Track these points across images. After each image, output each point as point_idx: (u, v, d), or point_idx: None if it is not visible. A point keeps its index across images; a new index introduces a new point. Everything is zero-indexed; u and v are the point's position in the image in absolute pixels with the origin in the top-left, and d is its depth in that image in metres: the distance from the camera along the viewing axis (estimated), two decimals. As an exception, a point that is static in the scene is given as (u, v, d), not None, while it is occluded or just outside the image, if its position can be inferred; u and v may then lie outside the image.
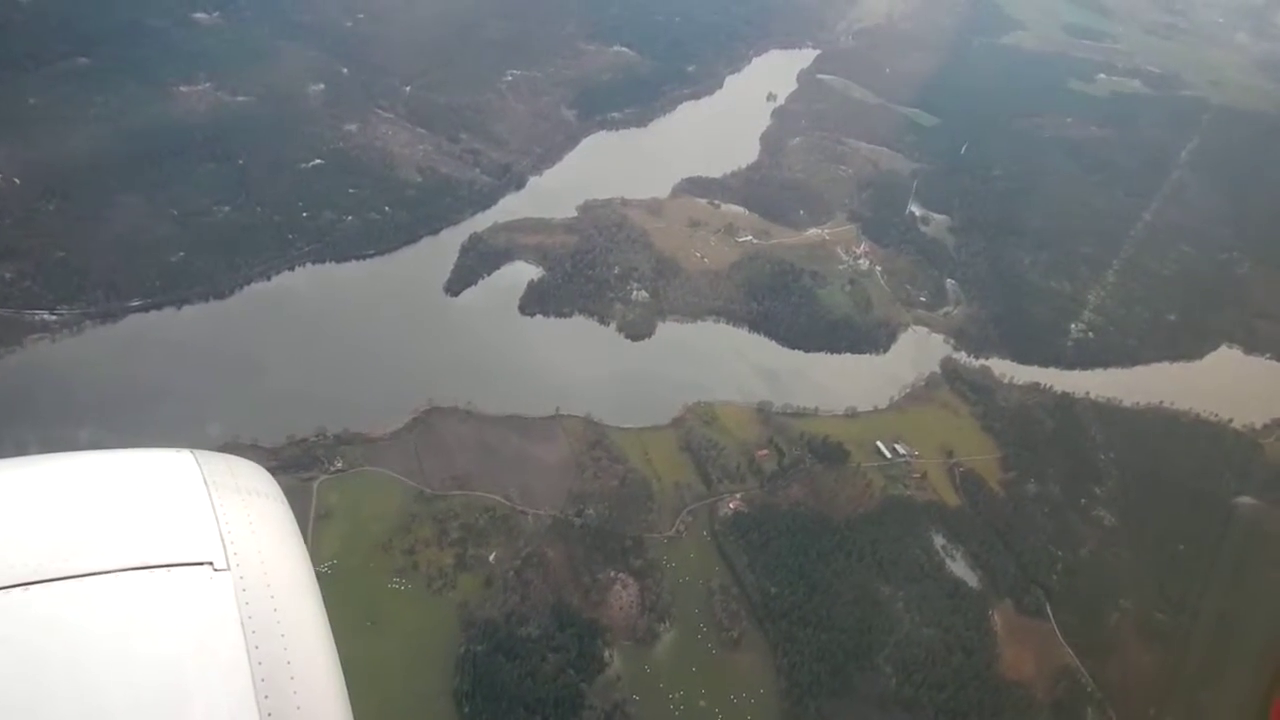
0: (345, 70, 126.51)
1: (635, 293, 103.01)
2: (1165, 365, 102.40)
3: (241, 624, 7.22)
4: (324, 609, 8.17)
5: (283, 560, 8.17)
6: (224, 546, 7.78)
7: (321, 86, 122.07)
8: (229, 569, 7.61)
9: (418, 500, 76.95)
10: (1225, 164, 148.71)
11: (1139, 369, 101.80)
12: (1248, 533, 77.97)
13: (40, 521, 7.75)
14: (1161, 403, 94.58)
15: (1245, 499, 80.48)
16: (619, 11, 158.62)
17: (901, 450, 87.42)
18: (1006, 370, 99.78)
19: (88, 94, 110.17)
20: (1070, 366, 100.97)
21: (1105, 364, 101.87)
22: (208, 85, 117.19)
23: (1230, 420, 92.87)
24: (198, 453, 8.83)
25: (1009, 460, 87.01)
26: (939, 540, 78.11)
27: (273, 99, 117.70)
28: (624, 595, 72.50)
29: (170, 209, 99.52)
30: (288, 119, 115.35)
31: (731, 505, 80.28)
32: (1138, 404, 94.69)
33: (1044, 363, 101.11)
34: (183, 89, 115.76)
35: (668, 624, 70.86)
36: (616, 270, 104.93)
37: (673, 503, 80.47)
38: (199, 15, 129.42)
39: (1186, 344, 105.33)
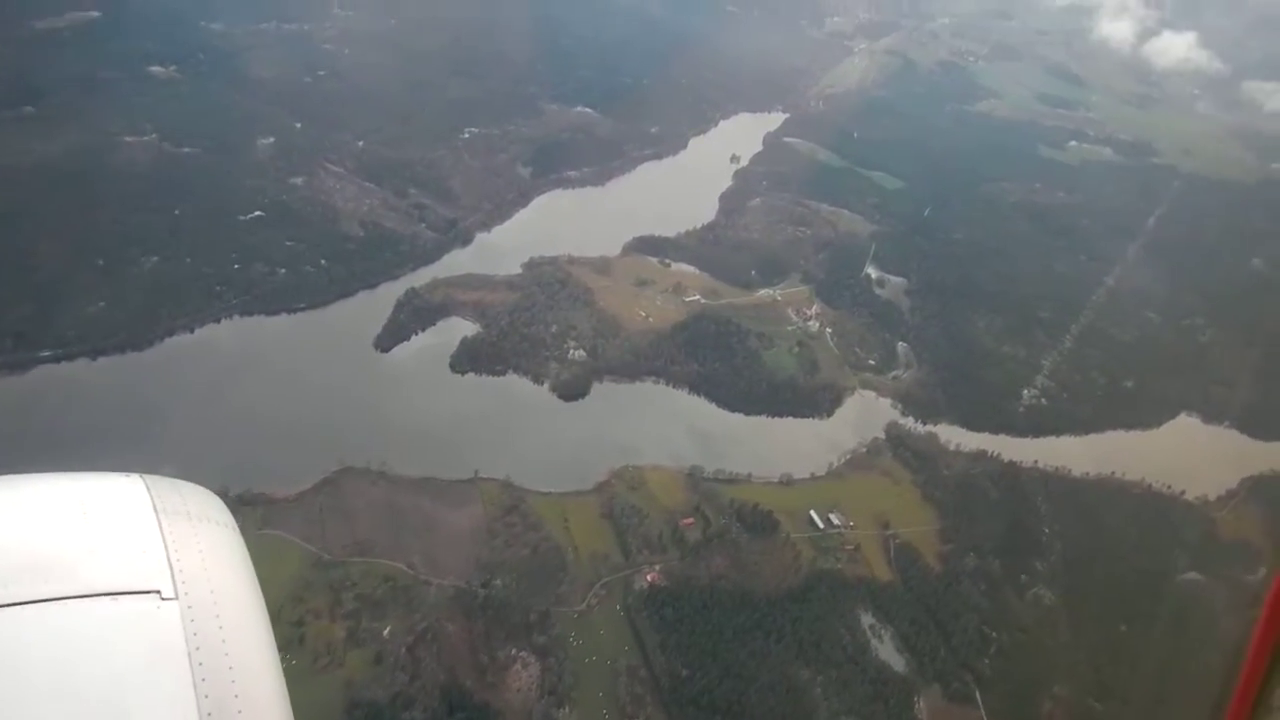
0: (298, 125, 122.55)
1: (572, 351, 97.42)
2: (1120, 434, 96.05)
3: (188, 654, 6.92)
4: (274, 640, 7.71)
5: (232, 589, 7.81)
6: (172, 574, 7.45)
7: (271, 140, 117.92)
8: (176, 597, 7.28)
9: (315, 567, 70.69)
10: (1193, 230, 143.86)
11: (1093, 437, 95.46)
12: (1191, 613, 71.77)
13: None
14: (1114, 473, 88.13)
15: (1193, 575, 73.89)
16: (586, 74, 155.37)
17: (836, 520, 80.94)
18: (954, 437, 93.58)
19: (26, 142, 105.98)
20: (1021, 433, 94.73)
21: (1057, 431, 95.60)
22: (153, 136, 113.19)
23: (1183, 492, 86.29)
24: (148, 477, 8.49)
25: (948, 532, 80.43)
26: (867, 619, 71.35)
27: (219, 151, 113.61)
28: (523, 676, 65.75)
29: (96, 258, 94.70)
30: (232, 171, 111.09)
31: (649, 578, 73.72)
32: (1088, 474, 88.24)
33: (994, 429, 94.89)
34: (127, 139, 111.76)
35: (567, 709, 64.01)
36: (554, 328, 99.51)
37: (587, 574, 73.96)
38: (154, 68, 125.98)
39: (1143, 412, 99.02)
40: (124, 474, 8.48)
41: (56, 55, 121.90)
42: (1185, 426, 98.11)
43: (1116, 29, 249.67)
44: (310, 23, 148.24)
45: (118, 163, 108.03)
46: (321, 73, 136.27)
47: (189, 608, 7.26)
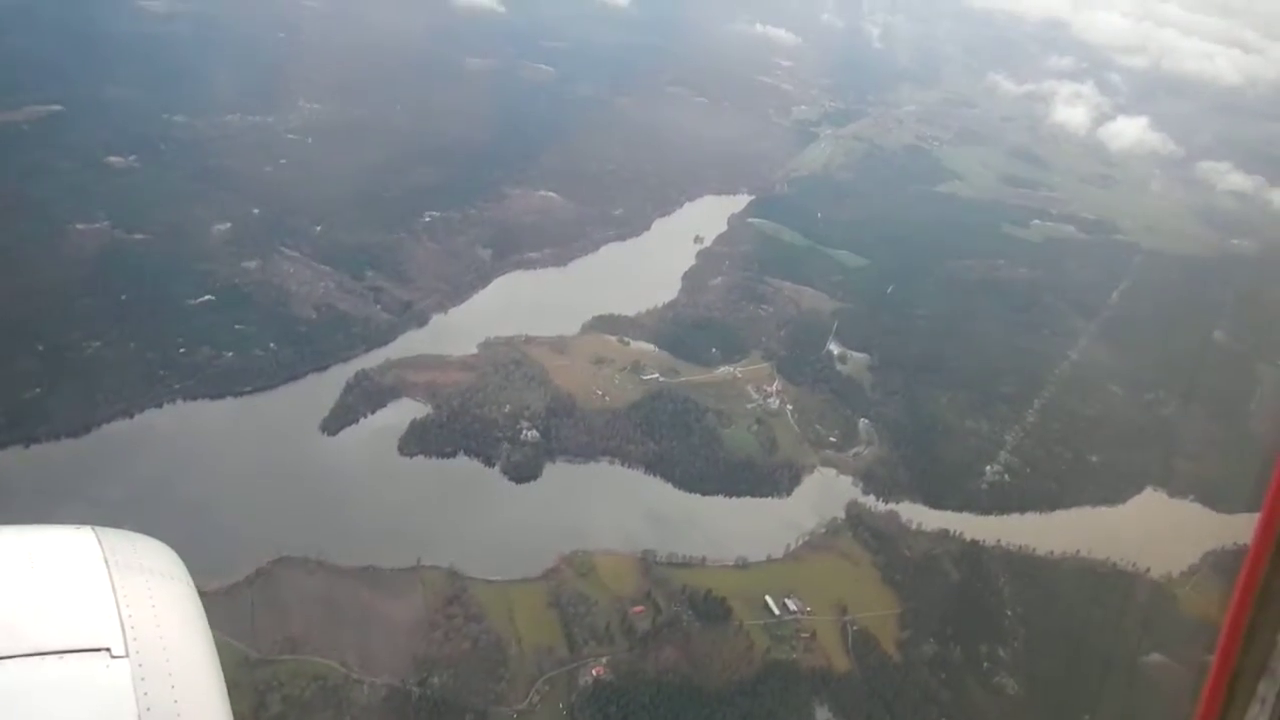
0: (256, 211, 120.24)
1: (525, 432, 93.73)
2: (1085, 510, 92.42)
3: (138, 715, 6.62)
4: (227, 700, 7.47)
5: (185, 647, 7.44)
6: (123, 631, 7.11)
7: (227, 225, 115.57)
8: (127, 655, 6.97)
9: (241, 666, 65.60)
10: (1156, 304, 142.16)
11: (1058, 514, 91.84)
12: (1152, 698, 67.26)
13: None
14: (1079, 551, 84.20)
15: (1155, 656, 69.52)
16: (551, 160, 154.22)
17: (792, 606, 76.70)
18: (916, 515, 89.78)
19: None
20: (985, 511, 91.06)
21: (1022, 509, 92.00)
22: (105, 224, 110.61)
23: (1148, 569, 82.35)
24: (99, 530, 8.09)
25: (908, 617, 76.17)
26: (821, 714, 66.88)
27: (171, 237, 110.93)
28: (455, 781, 60.92)
29: (36, 344, 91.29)
30: (183, 256, 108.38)
31: (594, 672, 69.24)
32: (1052, 553, 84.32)
33: (957, 507, 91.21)
34: (79, 227, 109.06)
35: (502, 816, 59.01)
36: (507, 409, 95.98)
37: (530, 669, 69.38)
38: (113, 158, 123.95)
39: (1108, 487, 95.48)
40: (74, 526, 8.18)
41: (13, 147, 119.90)
42: (1150, 501, 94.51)
43: (1072, 115, 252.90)
44: (275, 115, 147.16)
45: (66, 250, 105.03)
46: (283, 161, 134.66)
47: (139, 666, 6.97)
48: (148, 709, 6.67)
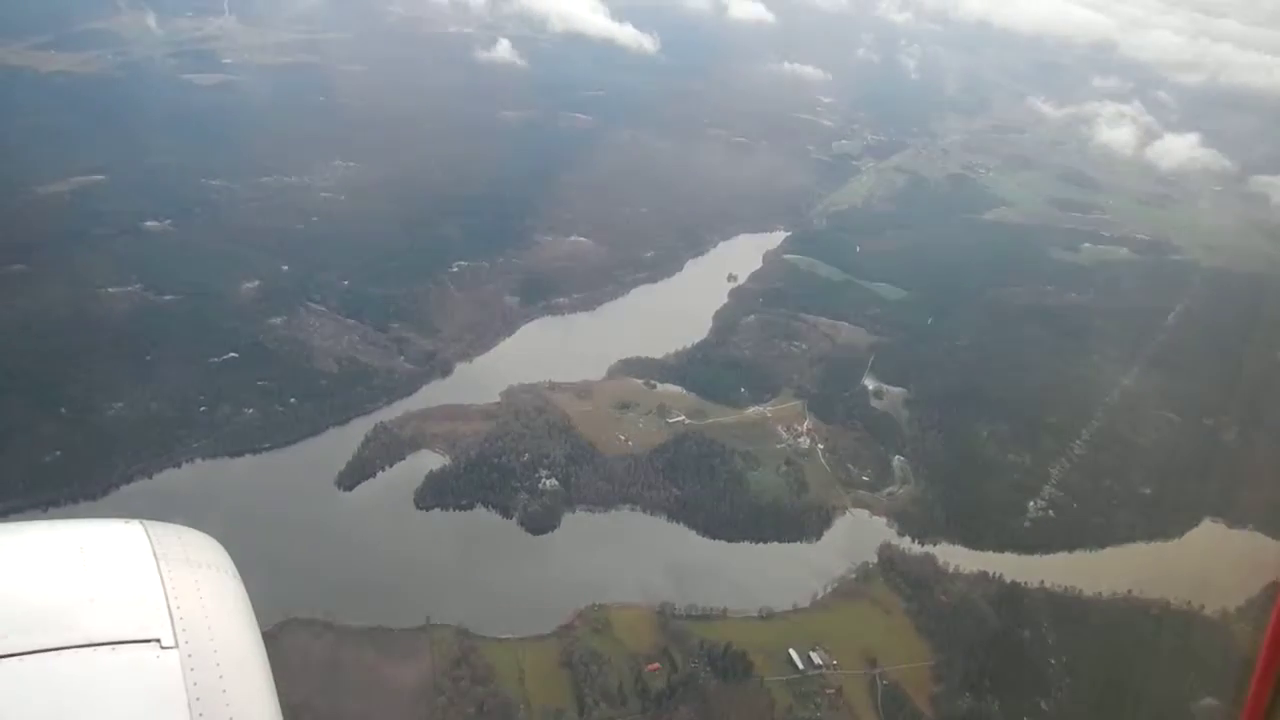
0: (285, 267, 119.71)
1: (544, 481, 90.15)
2: (1138, 546, 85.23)
3: (189, 705, 6.67)
4: (274, 689, 7.44)
5: (233, 637, 7.53)
6: (172, 622, 7.22)
7: (256, 283, 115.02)
8: (176, 646, 7.05)
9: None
10: (1215, 325, 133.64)
11: (1108, 551, 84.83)
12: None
13: None
14: (1130, 591, 77.30)
15: (1209, 701, 62.39)
16: (583, 206, 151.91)
17: (817, 659, 71.27)
18: (953, 557, 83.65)
19: (8, 298, 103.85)
20: (1028, 550, 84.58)
21: (1069, 546, 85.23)
22: (137, 286, 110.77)
23: (1202, 607, 74.91)
24: (148, 523, 8.33)
25: (942, 668, 70.10)
26: (844, 776, 61.15)
27: (200, 297, 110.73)
28: None
29: (59, 408, 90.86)
30: (210, 315, 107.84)
31: (603, 734, 64.65)
32: (1100, 594, 77.48)
33: (998, 547, 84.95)
34: (110, 290, 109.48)
35: None
36: (526, 457, 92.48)
37: (535, 733, 65.16)
38: (150, 223, 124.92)
39: (1162, 520, 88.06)
40: (123, 520, 8.36)
41: (55, 216, 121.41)
42: (1208, 533, 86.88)
43: (1123, 135, 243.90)
44: (310, 174, 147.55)
45: (97, 313, 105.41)
46: (314, 219, 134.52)
47: (189, 656, 7.03)
48: (197, 698, 6.72)
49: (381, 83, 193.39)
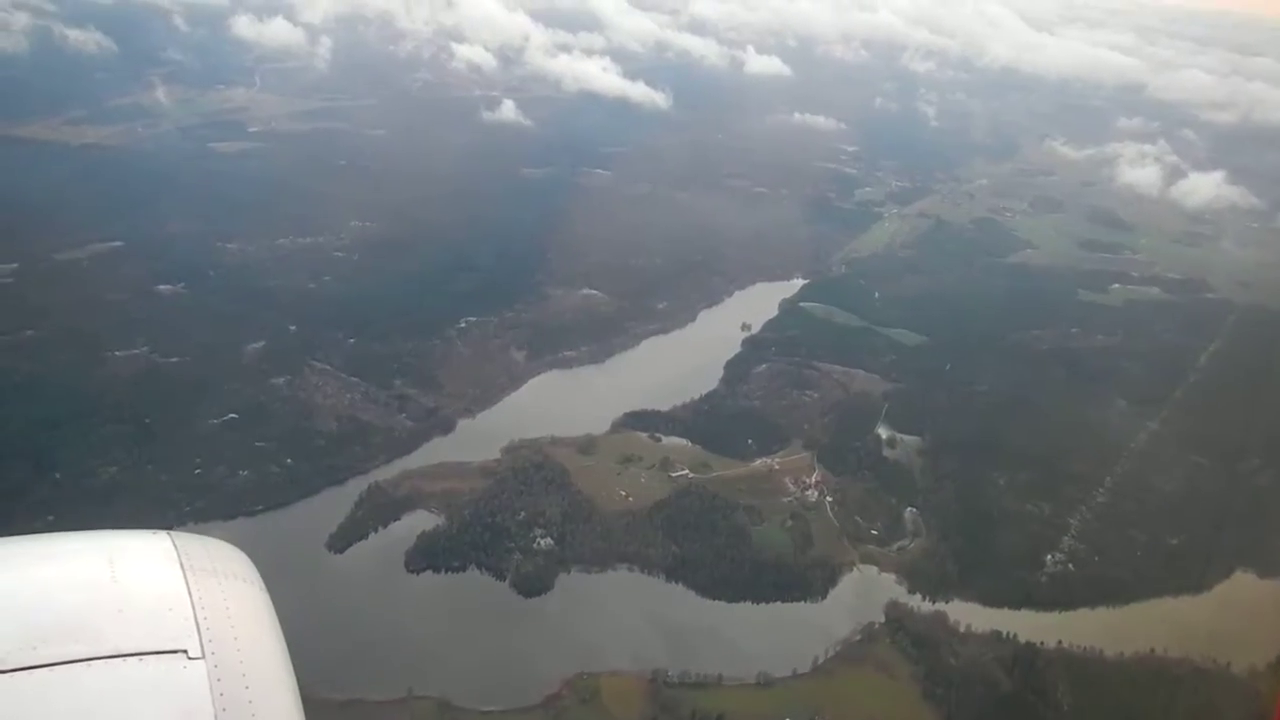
0: (293, 327, 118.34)
1: (538, 541, 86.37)
2: (1164, 601, 79.04)
3: (215, 716, 6.80)
4: (300, 700, 7.71)
5: (259, 648, 7.73)
6: (199, 634, 7.37)
7: (261, 344, 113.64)
8: (204, 657, 7.20)
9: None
10: (1250, 365, 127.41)
11: (1133, 607, 78.69)
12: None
13: (8, 607, 7.25)
14: (1153, 649, 71.21)
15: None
16: (597, 258, 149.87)
17: (815, 728, 66.13)
18: (966, 615, 78.14)
19: (16, 363, 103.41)
20: (1046, 607, 78.89)
21: (1090, 602, 79.31)
22: (144, 349, 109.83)
23: (1229, 664, 68.62)
24: (175, 534, 8.51)
25: (947, 738, 64.63)
26: None
27: (205, 358, 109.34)
28: None
29: (54, 472, 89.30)
30: (214, 376, 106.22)
31: (581, 814, 60.07)
32: (1121, 654, 71.52)
33: (1014, 604, 79.30)
34: (117, 354, 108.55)
35: None
36: (521, 516, 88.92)
37: (511, 813, 60.79)
38: (162, 287, 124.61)
39: (1190, 573, 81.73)
40: (151, 531, 8.46)
41: (70, 282, 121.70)
42: (1239, 586, 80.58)
43: (1154, 175, 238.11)
44: (326, 235, 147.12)
45: (101, 377, 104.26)
46: (326, 278, 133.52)
47: (215, 667, 7.08)
48: (224, 709, 6.75)
49: (402, 145, 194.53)
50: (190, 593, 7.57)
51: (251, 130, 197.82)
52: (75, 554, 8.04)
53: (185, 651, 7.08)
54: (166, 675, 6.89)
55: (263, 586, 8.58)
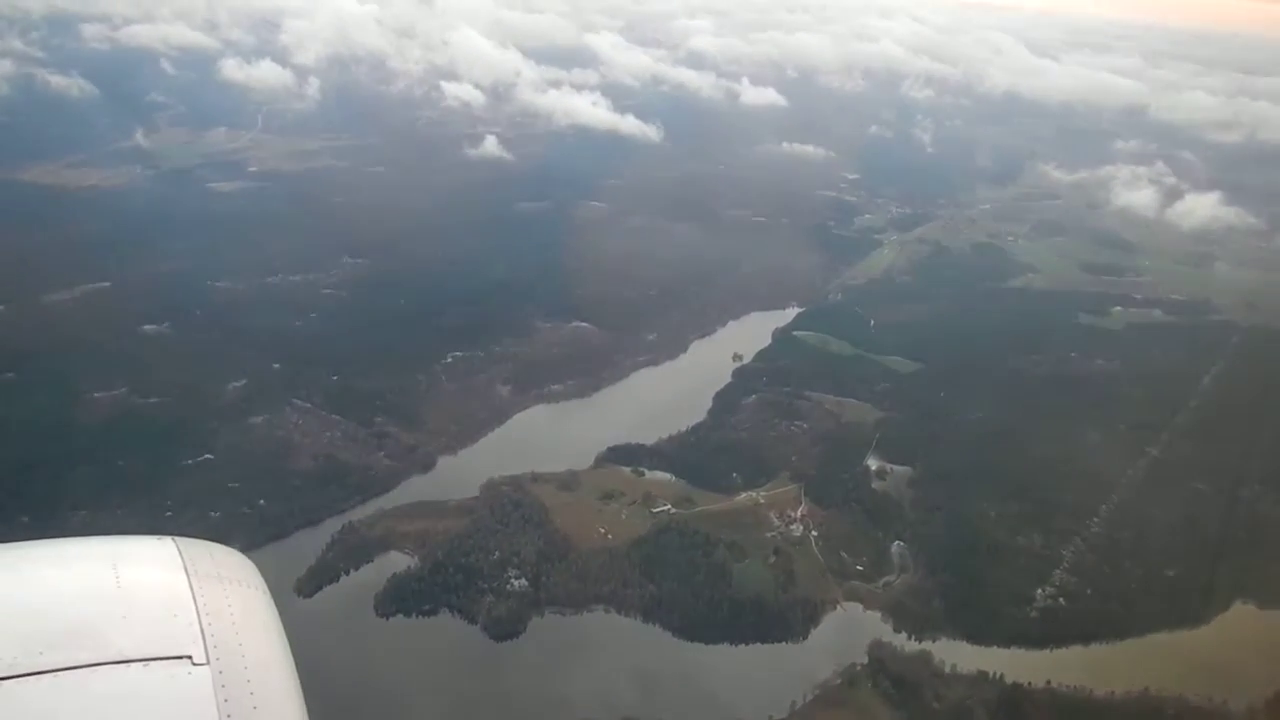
0: (277, 365, 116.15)
1: (512, 582, 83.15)
2: (1161, 635, 74.79)
3: None
4: (304, 706, 7.56)
5: (263, 654, 7.67)
6: (204, 640, 7.33)
7: (243, 382, 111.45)
8: (208, 663, 7.16)
9: None
10: (1254, 387, 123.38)
11: (1127, 643, 74.49)
12: None
13: (14, 612, 7.22)
14: (1146, 689, 67.14)
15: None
16: (589, 290, 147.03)
17: (788, 779, 62.36)
18: (952, 654, 74.34)
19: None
20: (1037, 644, 74.86)
21: (1083, 639, 75.17)
22: (123, 390, 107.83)
23: (1225, 701, 64.41)
24: (180, 540, 8.55)
25: (927, 790, 60.69)
26: None
27: (185, 398, 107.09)
28: None
29: (23, 515, 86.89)
30: (191, 416, 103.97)
31: None
32: (1112, 693, 67.44)
33: (1003, 641, 75.49)
34: (96, 395, 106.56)
35: None
36: (496, 556, 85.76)
37: None
38: (147, 327, 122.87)
39: (1188, 606, 77.61)
40: (156, 536, 8.60)
41: (54, 324, 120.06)
42: (1239, 618, 76.32)
43: (1152, 197, 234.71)
44: (316, 272, 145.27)
45: (80, 419, 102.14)
46: (313, 315, 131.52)
47: (220, 673, 7.01)
48: (228, 716, 6.68)
49: (398, 182, 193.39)
50: (195, 599, 7.52)
51: (251, 170, 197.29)
52: (80, 560, 8.01)
53: (190, 657, 7.01)
54: (171, 681, 6.80)
55: (267, 592, 8.48)
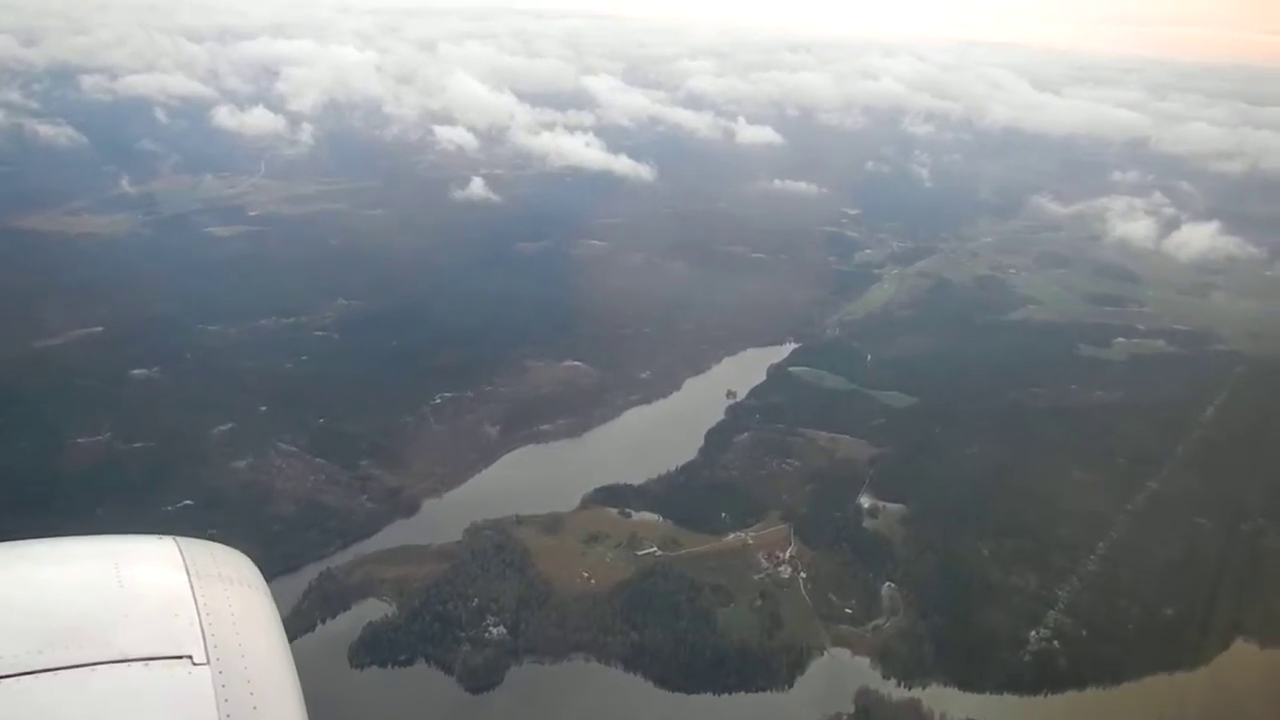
0: (264, 408, 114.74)
1: (490, 630, 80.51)
2: (1159, 678, 71.39)
3: None
4: (304, 706, 7.54)
5: (263, 654, 7.65)
6: (204, 639, 7.30)
7: (229, 426, 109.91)
8: (209, 663, 7.12)
9: None
10: (1259, 418, 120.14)
11: (1125, 687, 71.10)
12: None
13: (15, 610, 7.21)
14: (1143, 739, 63.91)
15: None
16: (583, 329, 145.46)
17: (766, 837, 59.19)
18: (942, 701, 71.27)
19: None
20: (1029, 690, 71.57)
21: (1078, 683, 71.81)
22: (107, 435, 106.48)
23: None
24: (181, 539, 8.59)
25: None
26: None
27: (170, 443, 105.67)
28: None
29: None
30: (175, 461, 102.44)
31: None
32: (1107, 745, 64.19)
33: (995, 687, 72.08)
34: (79, 441, 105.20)
35: None
36: (475, 603, 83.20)
37: None
38: (136, 371, 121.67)
39: (1187, 646, 74.20)
40: (157, 536, 8.51)
41: (43, 370, 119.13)
42: (1239, 657, 72.76)
43: (1155, 228, 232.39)
44: (309, 314, 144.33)
45: (63, 465, 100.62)
46: (304, 358, 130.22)
47: (220, 673, 7.00)
48: (228, 715, 6.63)
49: (395, 224, 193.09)
50: (195, 598, 7.48)
51: (251, 214, 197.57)
52: (81, 558, 7.96)
53: (190, 657, 6.95)
54: (171, 681, 6.73)
55: (268, 592, 8.50)
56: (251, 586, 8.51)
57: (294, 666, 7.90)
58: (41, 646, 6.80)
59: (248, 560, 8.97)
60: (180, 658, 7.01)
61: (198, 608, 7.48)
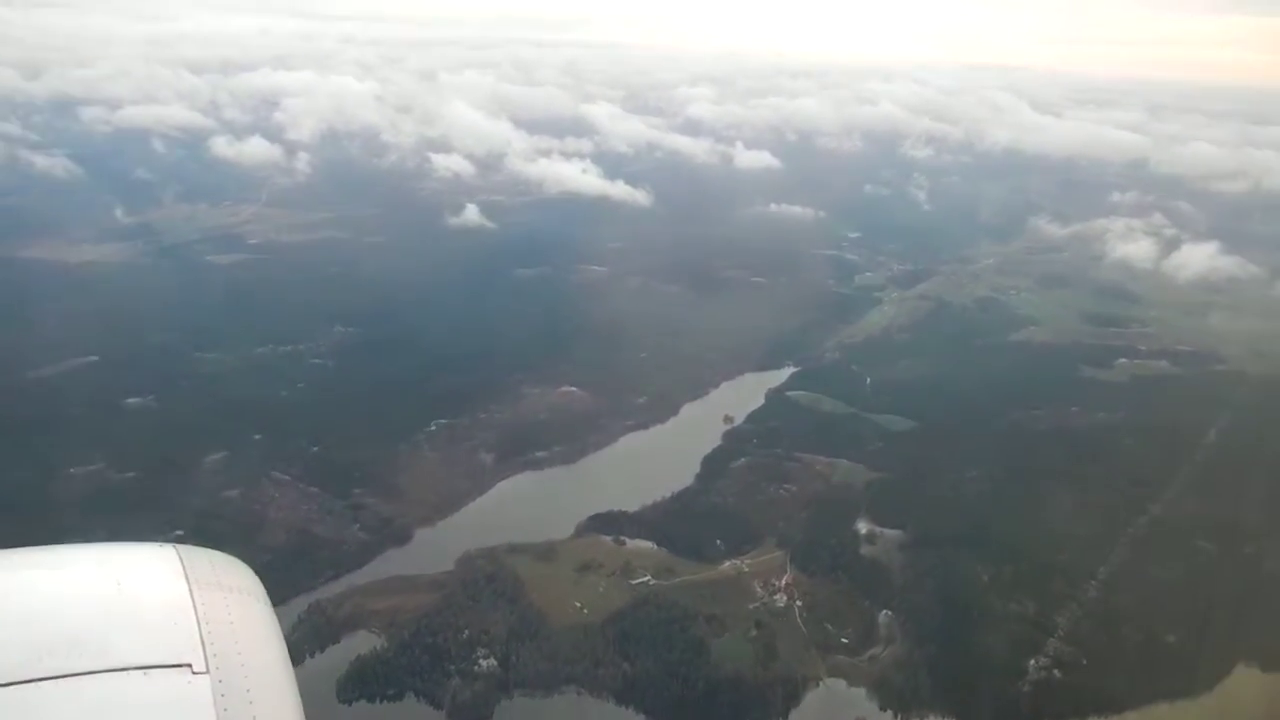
0: (258, 436, 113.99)
1: (480, 662, 79.14)
2: (1160, 706, 69.74)
3: None
4: (303, 715, 7.66)
5: (263, 664, 7.58)
6: (204, 648, 7.25)
7: (222, 455, 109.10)
8: (207, 672, 7.07)
9: None
10: (1262, 438, 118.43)
11: (1126, 716, 69.51)
12: None
13: (15, 619, 7.15)
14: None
15: None
16: (580, 354, 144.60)
17: None
18: (940, 733, 69.40)
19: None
20: (1030, 721, 69.84)
21: (1078, 712, 70.22)
22: (100, 465, 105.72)
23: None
24: (180, 548, 8.69)
25: None
26: None
27: (161, 471, 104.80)
28: None
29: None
30: (166, 491, 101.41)
31: None
32: (1109, 778, 62.52)
33: (993, 718, 70.30)
34: (71, 471, 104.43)
35: None
36: (465, 634, 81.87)
37: None
38: (131, 400, 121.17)
39: (1189, 673, 72.53)
40: (157, 544, 8.72)
41: (36, 399, 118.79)
42: (1241, 683, 71.06)
43: (1158, 248, 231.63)
44: (307, 342, 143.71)
45: (52, 495, 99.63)
46: (300, 385, 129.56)
47: (219, 682, 6.99)
48: None
49: (397, 251, 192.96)
50: (195, 607, 7.42)
51: (252, 243, 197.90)
52: (82, 567, 8.17)
53: (189, 666, 6.92)
54: (170, 689, 6.68)
55: (267, 601, 8.40)
56: (251, 595, 8.30)
57: (293, 675, 7.81)
58: (41, 654, 6.77)
59: (248, 569, 8.73)
60: (180, 666, 6.99)
61: (197, 616, 7.43)
